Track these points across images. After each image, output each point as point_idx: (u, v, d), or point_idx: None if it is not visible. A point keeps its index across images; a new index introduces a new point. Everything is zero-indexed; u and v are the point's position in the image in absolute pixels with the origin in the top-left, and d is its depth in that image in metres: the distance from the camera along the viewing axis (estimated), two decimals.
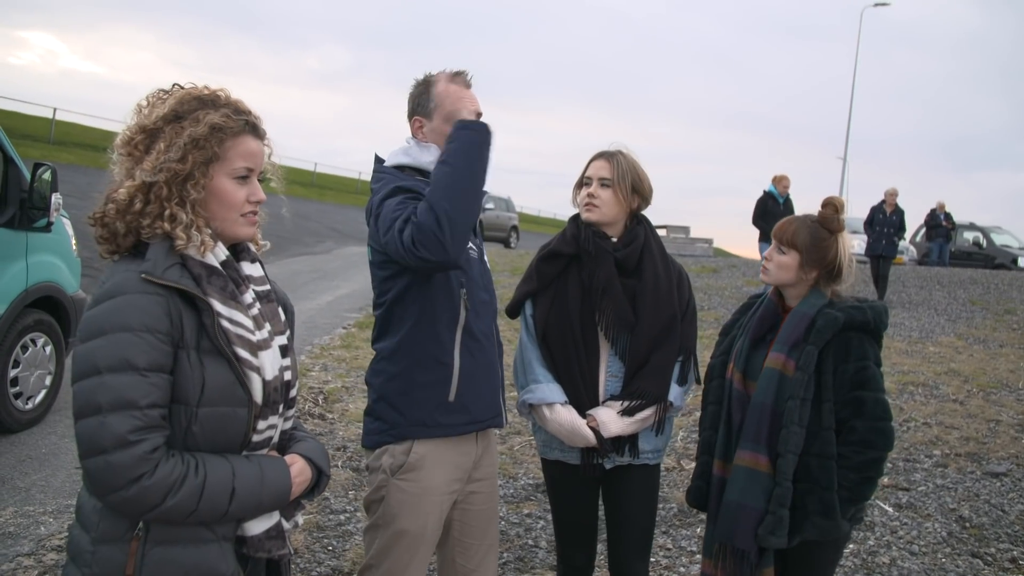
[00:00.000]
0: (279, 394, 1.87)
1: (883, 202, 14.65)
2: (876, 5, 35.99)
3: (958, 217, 27.21)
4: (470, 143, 2.38)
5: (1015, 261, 26.17)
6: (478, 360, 2.62)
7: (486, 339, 2.67)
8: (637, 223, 3.09)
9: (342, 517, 4.82)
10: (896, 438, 6.12)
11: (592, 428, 2.91)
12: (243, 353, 1.77)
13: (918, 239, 27.48)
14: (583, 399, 2.96)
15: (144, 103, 1.84)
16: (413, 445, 2.59)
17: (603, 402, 2.96)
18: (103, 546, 1.72)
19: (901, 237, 14.74)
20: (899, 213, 14.59)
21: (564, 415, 2.92)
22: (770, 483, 2.72)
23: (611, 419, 2.92)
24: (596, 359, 2.96)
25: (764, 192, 13.53)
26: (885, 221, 14.44)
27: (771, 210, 13.24)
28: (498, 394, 2.73)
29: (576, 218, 3.10)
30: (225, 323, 1.76)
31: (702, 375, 3.10)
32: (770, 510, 2.70)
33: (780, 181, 13.45)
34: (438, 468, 2.61)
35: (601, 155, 3.07)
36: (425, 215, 2.29)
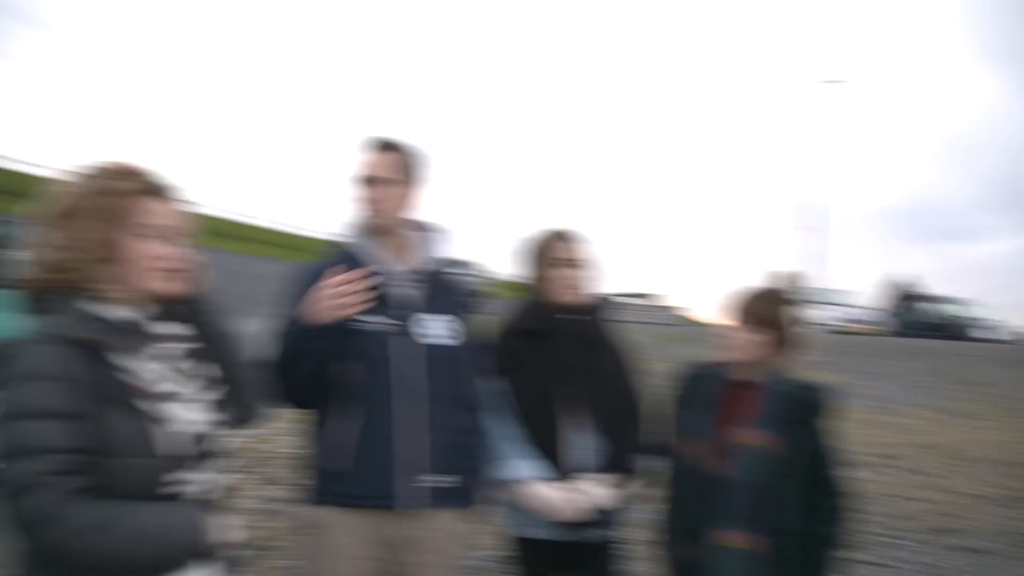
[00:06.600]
0: (190, 447, 1.92)
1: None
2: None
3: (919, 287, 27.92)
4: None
5: (969, 330, 26.93)
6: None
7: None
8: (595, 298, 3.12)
9: None
10: (878, 514, 6.02)
11: (578, 500, 2.88)
12: (143, 405, 1.85)
13: (884, 310, 28.02)
14: (555, 472, 2.91)
15: (64, 178, 1.95)
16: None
17: (573, 475, 2.91)
18: None
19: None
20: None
21: (550, 488, 2.88)
22: (769, 563, 2.69)
23: (601, 491, 2.90)
24: (563, 432, 2.93)
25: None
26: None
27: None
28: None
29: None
30: (123, 375, 1.85)
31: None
32: None
33: None
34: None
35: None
36: None
